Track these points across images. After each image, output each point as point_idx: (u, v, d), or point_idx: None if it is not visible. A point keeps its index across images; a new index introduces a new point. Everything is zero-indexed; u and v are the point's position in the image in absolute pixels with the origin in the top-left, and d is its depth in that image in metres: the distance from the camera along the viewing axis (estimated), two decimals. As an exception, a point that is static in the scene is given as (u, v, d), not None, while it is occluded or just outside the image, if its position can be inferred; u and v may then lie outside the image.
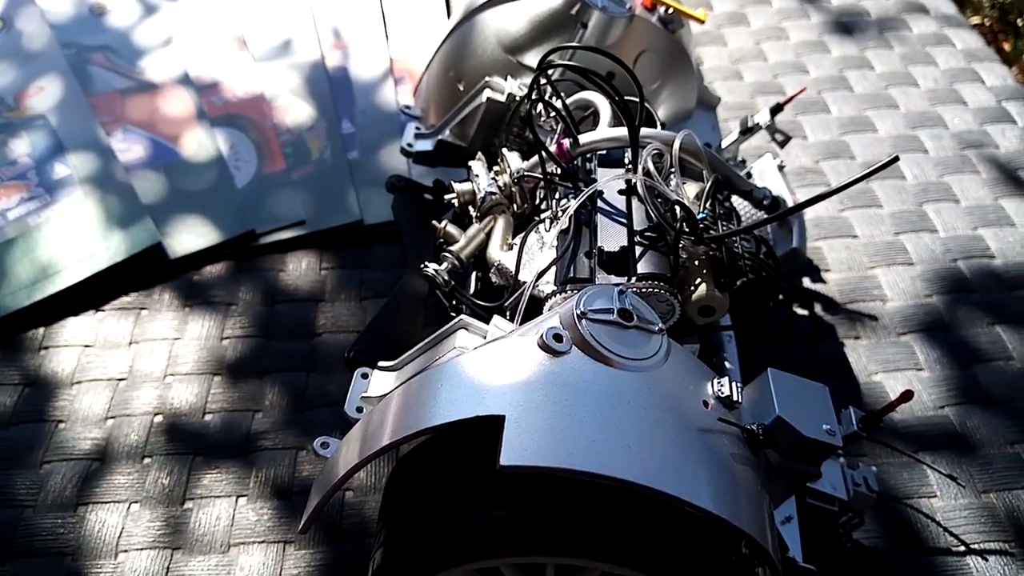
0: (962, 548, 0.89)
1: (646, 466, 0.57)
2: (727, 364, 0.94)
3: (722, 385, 0.67)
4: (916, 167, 1.33)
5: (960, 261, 1.20)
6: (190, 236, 1.21)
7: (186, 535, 0.93)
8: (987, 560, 0.88)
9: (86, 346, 1.11)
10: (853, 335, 1.11)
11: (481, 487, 0.64)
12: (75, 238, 1.18)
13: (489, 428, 0.59)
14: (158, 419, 1.03)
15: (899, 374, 1.06)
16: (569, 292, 0.78)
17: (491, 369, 0.63)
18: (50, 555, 0.91)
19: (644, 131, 0.85)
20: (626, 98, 0.84)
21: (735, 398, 0.66)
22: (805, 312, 1.10)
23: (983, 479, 0.95)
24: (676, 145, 0.85)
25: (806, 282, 1.17)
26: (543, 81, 0.91)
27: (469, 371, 0.64)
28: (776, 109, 1.09)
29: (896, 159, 0.74)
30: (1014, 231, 1.23)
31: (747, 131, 1.11)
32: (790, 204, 0.99)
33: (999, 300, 1.14)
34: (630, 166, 0.86)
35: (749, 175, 1.08)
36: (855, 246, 1.22)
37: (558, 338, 0.64)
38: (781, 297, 0.87)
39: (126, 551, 0.91)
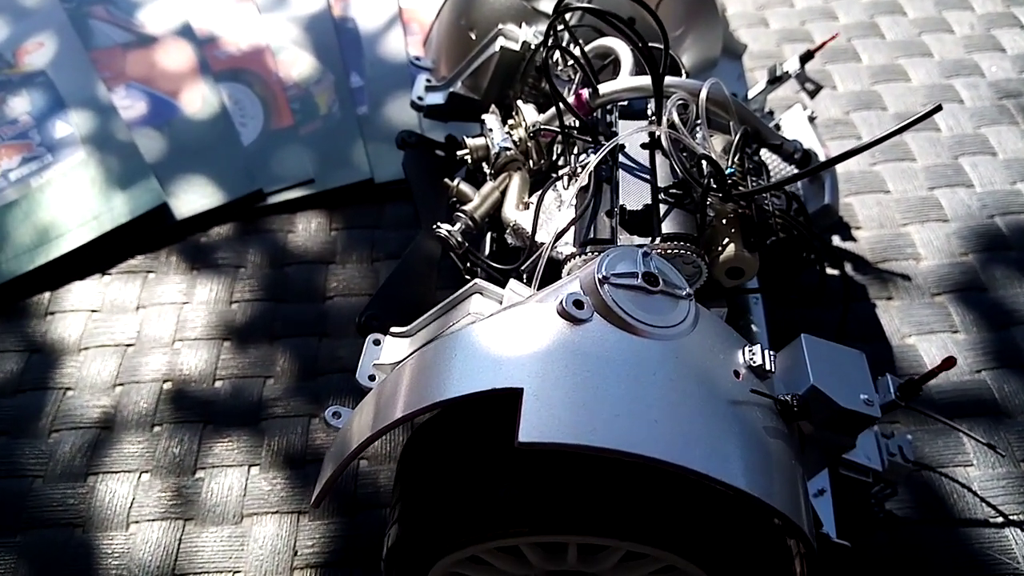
0: (1000, 519, 0.86)
1: (674, 442, 0.54)
2: (754, 327, 0.90)
3: (754, 353, 0.63)
4: (951, 118, 1.27)
5: (997, 217, 1.14)
6: (196, 196, 1.18)
7: (198, 505, 0.90)
8: (1026, 531, 0.85)
9: (93, 311, 1.08)
10: (885, 296, 1.06)
11: (500, 461, 0.61)
12: (78, 199, 1.15)
13: (507, 399, 0.56)
14: (167, 386, 1.00)
15: (933, 336, 1.01)
16: (589, 254, 0.74)
17: (508, 338, 0.60)
18: (60, 526, 0.89)
19: (669, 80, 0.80)
20: (650, 45, 0.79)
21: (768, 367, 0.62)
22: (836, 272, 1.05)
23: (1021, 446, 0.91)
24: (703, 95, 0.79)
25: (836, 240, 1.12)
26: (560, 27, 0.85)
27: (484, 340, 0.60)
28: (806, 57, 1.03)
29: (939, 108, 0.68)
30: (1055, 184, 1.18)
31: (775, 80, 1.05)
32: (822, 158, 0.94)
33: (1039, 257, 1.09)
34: (653, 118, 0.81)
35: (778, 127, 1.02)
36: (887, 202, 1.16)
37: (579, 305, 0.60)
38: (812, 256, 0.82)
39: (137, 522, 0.89)
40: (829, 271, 1.02)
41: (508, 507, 0.59)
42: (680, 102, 0.79)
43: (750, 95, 1.07)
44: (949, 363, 0.69)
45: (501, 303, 0.74)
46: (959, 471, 0.90)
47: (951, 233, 1.13)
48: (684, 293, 0.63)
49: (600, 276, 0.61)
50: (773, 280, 0.87)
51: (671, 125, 0.77)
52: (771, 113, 1.10)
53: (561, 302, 0.59)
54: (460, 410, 0.67)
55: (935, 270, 1.09)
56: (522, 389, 0.55)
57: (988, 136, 1.24)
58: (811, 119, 1.00)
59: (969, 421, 0.94)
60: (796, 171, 0.91)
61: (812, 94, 1.07)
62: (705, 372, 0.59)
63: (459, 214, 0.86)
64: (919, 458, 0.90)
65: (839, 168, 1.16)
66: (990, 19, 1.43)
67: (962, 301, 1.05)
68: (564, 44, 0.87)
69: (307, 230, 1.17)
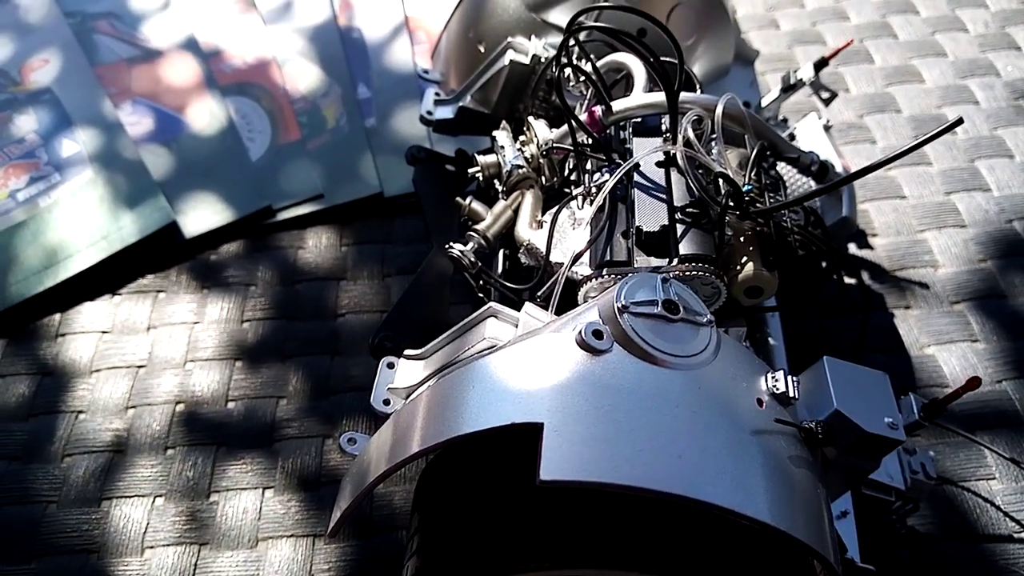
0: (1025, 534, 0.85)
1: (698, 477, 0.53)
2: (771, 341, 0.88)
3: (776, 380, 0.62)
4: (967, 120, 1.25)
5: (1016, 222, 1.12)
6: (205, 214, 1.17)
7: (213, 529, 0.90)
8: (1052, 547, 0.84)
9: (103, 332, 1.07)
10: (903, 305, 1.04)
11: (522, 495, 0.60)
12: (87, 219, 1.14)
13: (527, 432, 0.55)
14: (180, 408, 1.00)
15: (953, 346, 1.00)
16: (606, 276, 0.73)
17: (525, 369, 0.59)
18: (75, 552, 0.88)
19: (683, 96, 0.79)
20: (663, 59, 0.77)
21: (791, 394, 0.61)
22: (853, 281, 1.04)
23: (1046, 459, 0.90)
24: (719, 111, 0.78)
25: (852, 248, 1.10)
26: (571, 43, 0.84)
27: (502, 371, 0.59)
28: (820, 64, 1.02)
29: (960, 121, 0.67)
30: (1074, 187, 1.16)
31: (789, 88, 1.04)
32: (838, 168, 0.92)
33: (1059, 263, 1.07)
34: (668, 135, 0.80)
35: (792, 136, 1.01)
36: (903, 208, 1.15)
37: (598, 335, 0.59)
38: (825, 265, 0.81)
39: (152, 547, 0.89)
40: (847, 280, 1.01)
41: (531, 542, 0.58)
42: (695, 117, 0.78)
43: (763, 103, 1.06)
44: (974, 383, 0.68)
45: (517, 326, 0.73)
46: (981, 485, 0.89)
47: (969, 239, 1.11)
48: (705, 320, 0.62)
49: (619, 305, 0.60)
50: (791, 295, 0.85)
51: (686, 143, 0.75)
52: (785, 121, 1.08)
53: (580, 332, 0.58)
54: (480, 440, 0.66)
55: (953, 277, 1.07)
56: (542, 424, 0.54)
57: (1005, 138, 1.23)
58: (826, 128, 0.98)
59: (991, 433, 0.92)
60: (813, 184, 0.89)
61: (827, 102, 1.05)
62: (728, 402, 0.58)
63: (471, 233, 0.85)
64: (941, 472, 0.89)
65: (854, 174, 1.14)
66: (1005, 16, 1.41)
67: (981, 309, 1.04)
68: (576, 59, 0.85)
69: (317, 246, 1.16)
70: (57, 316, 1.09)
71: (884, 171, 1.19)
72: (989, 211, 1.14)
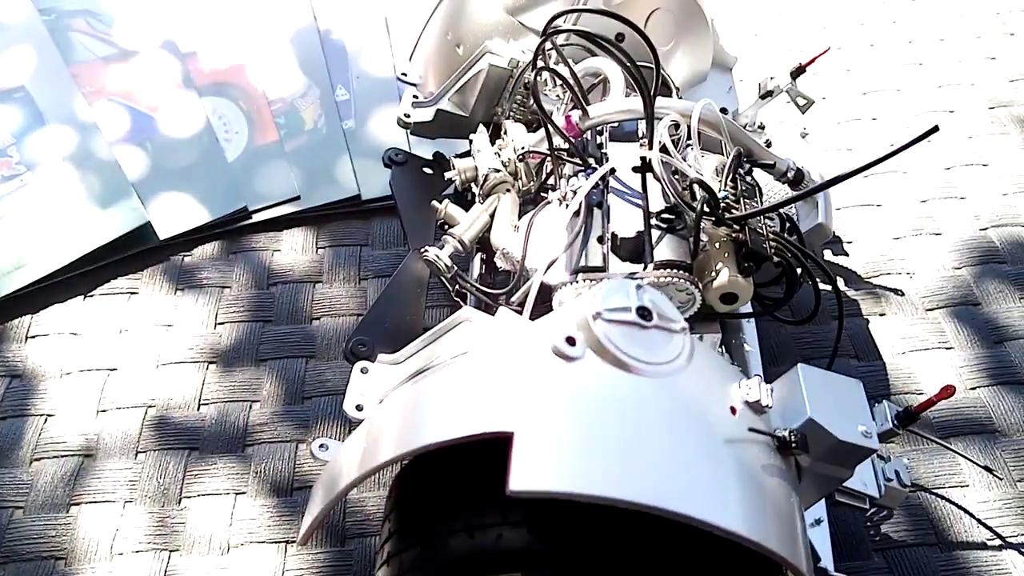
0: (997, 541, 0.85)
1: (670, 488, 0.52)
2: (747, 346, 0.88)
3: (750, 388, 0.61)
4: (943, 128, 1.25)
5: (990, 230, 1.13)
6: (180, 215, 1.15)
7: (184, 536, 0.89)
8: (1024, 554, 0.84)
9: (74, 334, 1.06)
10: (878, 311, 1.05)
11: (492, 503, 0.59)
12: (59, 219, 1.13)
13: (499, 439, 0.54)
14: (151, 411, 0.99)
15: (927, 353, 1.01)
16: (581, 282, 0.72)
17: (498, 377, 0.58)
18: (42, 559, 0.87)
19: (660, 101, 0.79)
20: (640, 64, 0.77)
21: (765, 402, 0.61)
22: (828, 287, 1.04)
23: (1018, 467, 0.90)
24: (695, 117, 0.78)
25: (828, 254, 1.11)
26: (548, 48, 0.84)
27: (473, 379, 0.59)
28: (797, 72, 1.02)
29: (936, 129, 0.68)
30: (1047, 196, 1.17)
31: (766, 95, 1.04)
32: (814, 174, 0.92)
33: (1033, 271, 1.08)
34: (644, 140, 0.80)
35: (769, 143, 1.01)
36: (879, 215, 1.16)
37: (571, 342, 0.58)
38: (801, 271, 0.81)
39: (121, 554, 0.87)
40: (823, 287, 1.01)
41: (501, 550, 0.58)
42: (671, 123, 0.78)
43: (741, 110, 1.06)
44: (948, 391, 0.68)
45: (491, 332, 0.72)
46: (955, 492, 0.89)
47: (944, 246, 1.12)
48: (679, 327, 0.62)
49: (593, 312, 0.59)
50: (767, 304, 0.85)
51: (662, 148, 0.75)
52: (762, 127, 1.08)
53: (553, 340, 0.58)
54: (452, 445, 0.65)
55: (928, 284, 1.08)
56: (513, 433, 0.53)
57: (980, 146, 1.24)
58: (803, 135, 0.99)
59: (965, 440, 0.93)
60: (789, 190, 0.89)
61: (803, 109, 1.05)
62: (701, 410, 0.58)
63: (447, 237, 0.84)
64: (915, 480, 0.89)
65: (831, 181, 1.15)
66: (980, 28, 1.42)
67: (955, 316, 1.04)
68: (553, 64, 0.85)
69: (293, 248, 1.15)
70: (27, 318, 1.07)
71: (860, 178, 1.19)
72: (964, 219, 1.15)
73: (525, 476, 0.51)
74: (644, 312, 0.61)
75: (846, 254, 1.11)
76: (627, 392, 0.57)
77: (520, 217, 0.84)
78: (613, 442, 0.54)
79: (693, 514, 0.52)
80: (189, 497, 0.91)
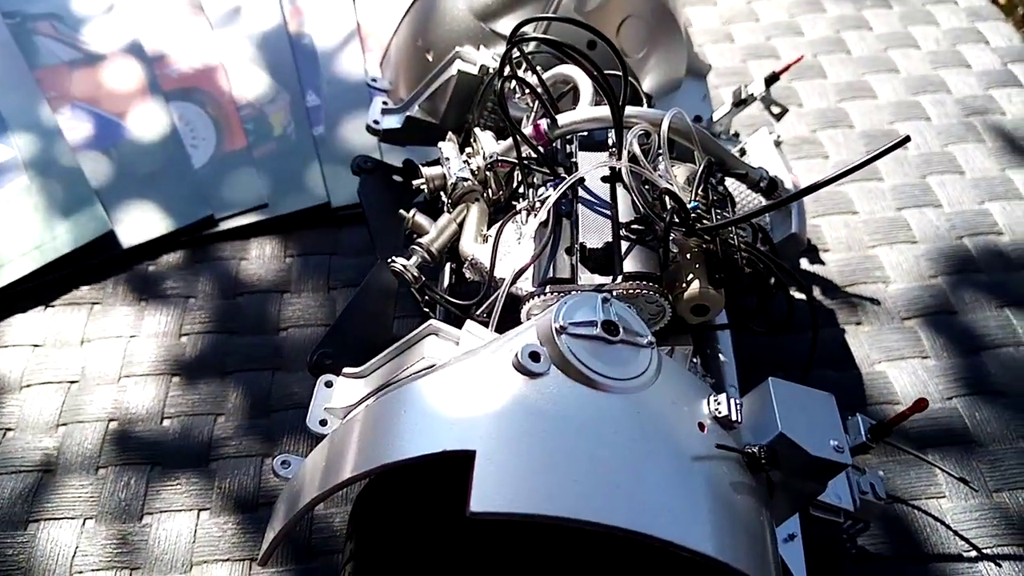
0: (974, 553, 0.84)
1: (637, 508, 0.51)
2: (721, 357, 0.87)
3: (719, 403, 0.60)
4: (918, 136, 1.25)
5: (966, 238, 1.13)
6: (144, 223, 1.13)
7: (145, 553, 0.86)
8: (1000, 566, 0.83)
9: (35, 346, 1.03)
10: (854, 321, 1.04)
11: (455, 523, 0.57)
12: (20, 227, 1.10)
13: (461, 457, 0.53)
14: (113, 425, 0.96)
15: (903, 363, 1.00)
16: (548, 294, 0.71)
17: (460, 393, 0.57)
18: (-4, 579, 0.84)
19: (629, 110, 0.78)
20: (609, 73, 0.76)
21: (734, 418, 0.59)
22: (803, 297, 1.03)
23: (994, 477, 0.90)
24: (665, 126, 0.77)
25: (804, 263, 1.10)
26: (515, 55, 0.82)
27: (436, 395, 0.57)
28: (771, 79, 1.01)
29: (907, 139, 0.67)
30: (1022, 205, 1.16)
31: (740, 103, 1.03)
32: (788, 183, 0.91)
33: (1008, 280, 1.07)
34: (614, 150, 0.79)
35: (743, 151, 1.00)
36: (854, 223, 1.15)
37: (535, 357, 0.57)
38: (774, 281, 0.80)
39: (81, 572, 0.85)
40: (797, 296, 1.00)
41: (464, 572, 0.56)
42: (641, 132, 0.77)
43: (715, 117, 1.05)
44: (921, 405, 0.67)
45: (457, 345, 0.71)
46: (932, 503, 0.88)
47: (920, 255, 1.11)
48: (646, 341, 0.60)
49: (557, 325, 0.58)
50: (741, 312, 0.84)
51: (632, 158, 0.74)
52: (736, 135, 1.07)
53: (516, 354, 0.56)
54: (415, 463, 0.63)
55: (904, 293, 1.07)
56: (475, 452, 0.52)
57: (955, 154, 1.23)
58: (777, 143, 0.98)
59: (941, 451, 0.92)
60: (762, 200, 0.88)
61: (778, 116, 1.05)
62: (669, 427, 0.57)
63: (415, 247, 0.83)
64: (891, 490, 0.88)
65: (806, 189, 1.14)
66: (955, 35, 1.42)
67: (932, 325, 1.04)
68: (521, 71, 0.83)
69: (260, 257, 1.12)
70: (-15, 329, 1.04)
71: (836, 186, 1.19)
72: (940, 227, 1.14)
73: (486, 497, 0.50)
74: (610, 326, 0.59)
75: (822, 263, 1.10)
76: (592, 409, 0.55)
77: (490, 227, 0.83)
78: (577, 462, 0.52)
79: (661, 535, 0.50)
80: (151, 513, 0.89)
